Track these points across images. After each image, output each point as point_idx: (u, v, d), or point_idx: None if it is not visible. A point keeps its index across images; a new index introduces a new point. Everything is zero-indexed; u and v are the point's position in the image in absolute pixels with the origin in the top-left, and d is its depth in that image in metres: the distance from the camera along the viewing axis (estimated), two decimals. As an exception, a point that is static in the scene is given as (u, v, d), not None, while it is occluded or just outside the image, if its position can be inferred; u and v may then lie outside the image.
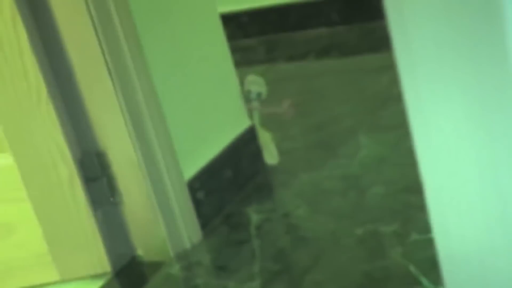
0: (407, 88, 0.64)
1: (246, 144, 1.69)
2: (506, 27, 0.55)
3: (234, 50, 1.84)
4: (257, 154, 1.72)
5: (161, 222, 1.43)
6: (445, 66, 0.60)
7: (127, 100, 1.38)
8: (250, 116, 1.73)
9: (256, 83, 1.74)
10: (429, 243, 0.81)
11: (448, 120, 0.62)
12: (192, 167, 1.54)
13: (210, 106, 1.63)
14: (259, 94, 1.73)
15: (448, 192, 0.66)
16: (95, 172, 1.41)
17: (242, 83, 1.74)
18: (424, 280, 1.14)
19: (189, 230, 1.48)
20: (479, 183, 0.64)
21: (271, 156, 1.70)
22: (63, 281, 1.43)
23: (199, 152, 1.59)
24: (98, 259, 1.44)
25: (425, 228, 0.84)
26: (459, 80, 0.60)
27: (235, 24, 2.71)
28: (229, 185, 1.62)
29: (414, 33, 0.60)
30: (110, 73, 1.36)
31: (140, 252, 1.47)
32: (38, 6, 1.35)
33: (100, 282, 1.43)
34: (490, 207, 0.63)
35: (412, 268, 1.19)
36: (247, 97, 1.73)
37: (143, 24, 1.43)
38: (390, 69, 0.82)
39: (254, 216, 1.53)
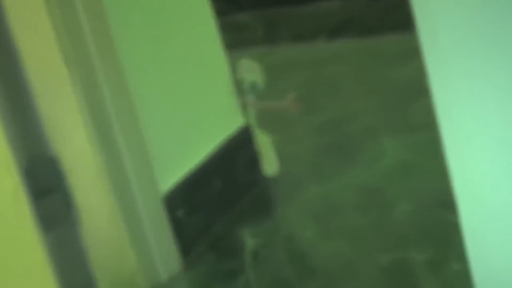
0: (435, 84, 0.66)
1: (239, 149, 1.69)
2: None
3: (224, 28, 1.82)
4: (254, 161, 1.70)
5: (129, 248, 1.42)
6: (476, 60, 0.61)
7: (88, 95, 1.36)
8: (245, 113, 1.71)
9: (251, 70, 1.72)
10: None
11: (479, 121, 0.63)
12: (170, 178, 1.53)
13: (193, 100, 1.60)
14: (253, 85, 1.70)
15: (484, 208, 0.67)
16: (46, 184, 1.38)
17: (234, 70, 1.73)
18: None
19: (166, 258, 1.47)
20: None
21: (270, 163, 1.68)
22: None
23: (180, 159, 1.58)
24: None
25: (467, 254, 0.84)
26: (491, 77, 0.61)
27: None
28: (218, 200, 1.60)
29: (441, 23, 0.62)
30: (66, 60, 1.33)
31: (102, 285, 1.43)
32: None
33: None
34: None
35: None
36: (239, 88, 1.71)
37: (110, 1, 1.40)
38: (419, 54, 0.80)
39: (249, 239, 1.53)
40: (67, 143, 1.40)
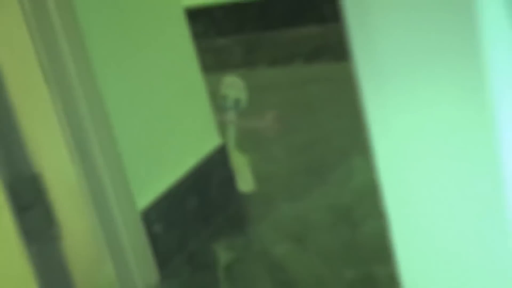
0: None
1: (215, 167, 1.69)
2: (481, 41, 0.57)
3: (206, 50, 1.84)
4: (229, 179, 1.71)
5: (108, 262, 1.40)
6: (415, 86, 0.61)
7: (67, 113, 1.35)
8: (223, 131, 1.71)
9: (235, 87, 1.73)
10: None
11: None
12: (148, 194, 1.52)
13: (171, 119, 1.59)
14: (237, 102, 1.71)
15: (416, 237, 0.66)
16: (28, 199, 1.38)
17: (215, 90, 1.73)
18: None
19: (143, 271, 1.46)
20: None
21: (245, 182, 1.68)
22: None
23: (157, 176, 1.57)
24: None
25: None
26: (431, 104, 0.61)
27: (208, 20, 2.70)
28: (193, 216, 1.59)
29: (379, 41, 0.61)
30: (46, 80, 1.33)
31: None
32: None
33: None
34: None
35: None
36: (222, 105, 1.71)
37: (87, 18, 1.41)
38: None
39: (224, 254, 1.52)
40: (48, 161, 1.40)
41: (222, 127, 1.76)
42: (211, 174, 1.68)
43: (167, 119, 1.62)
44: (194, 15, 1.87)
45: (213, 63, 2.28)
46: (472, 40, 0.57)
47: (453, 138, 0.60)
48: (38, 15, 1.38)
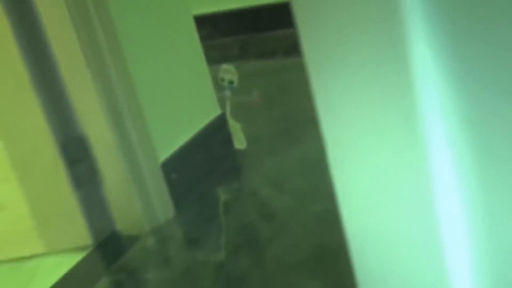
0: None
1: (216, 131, 1.69)
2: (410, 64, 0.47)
3: (211, 47, 1.84)
4: (227, 139, 1.72)
5: (137, 200, 1.43)
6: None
7: (105, 90, 1.38)
8: (223, 105, 1.72)
9: (229, 72, 1.75)
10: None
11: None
12: (166, 150, 1.53)
13: (183, 95, 1.62)
14: (231, 82, 1.73)
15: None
16: (77, 155, 1.40)
17: (215, 75, 1.74)
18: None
19: (163, 207, 1.48)
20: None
21: (239, 141, 1.70)
22: (48, 253, 1.44)
23: (173, 137, 1.58)
24: (81, 233, 1.43)
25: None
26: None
27: (212, 25, 2.70)
28: (200, 167, 1.62)
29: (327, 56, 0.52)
30: (88, 65, 1.35)
31: (119, 226, 1.47)
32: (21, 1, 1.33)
33: (82, 254, 1.43)
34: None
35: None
36: (220, 85, 1.72)
37: (120, 19, 1.42)
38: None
39: (223, 195, 1.53)
40: (91, 125, 1.41)
41: (221, 102, 1.76)
42: (214, 135, 1.69)
43: (181, 95, 1.62)
44: (203, 21, 1.84)
45: (215, 56, 2.26)
46: (403, 74, 0.47)
47: (383, 135, 0.51)
48: (83, 19, 1.37)
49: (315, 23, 0.51)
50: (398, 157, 0.51)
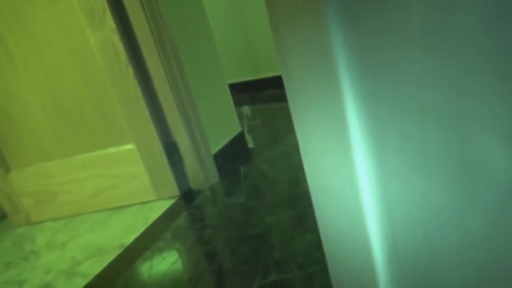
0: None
1: (238, 139, 2.02)
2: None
3: (235, 99, 2.34)
4: (244, 143, 2.05)
5: (200, 172, 1.74)
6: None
7: (183, 113, 1.59)
8: (242, 126, 2.22)
9: (246, 109, 2.29)
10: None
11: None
12: (215, 148, 1.88)
13: (222, 121, 1.92)
14: (247, 114, 2.25)
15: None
16: (172, 150, 1.69)
17: (239, 111, 2.17)
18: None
19: (213, 176, 1.81)
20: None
21: (251, 143, 2.08)
22: (157, 199, 1.76)
23: (218, 141, 1.89)
24: (173, 189, 1.75)
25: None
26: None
27: (234, 88, 3.28)
28: (231, 157, 1.96)
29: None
30: (173, 96, 1.54)
31: (192, 185, 1.78)
32: (131, 40, 1.42)
33: (174, 200, 1.73)
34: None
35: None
36: (242, 116, 2.14)
37: (189, 73, 1.59)
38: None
39: (243, 169, 1.83)
40: (177, 134, 1.63)
41: (241, 124, 2.26)
42: (237, 141, 2.01)
43: (221, 121, 1.90)
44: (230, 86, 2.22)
45: (237, 102, 2.84)
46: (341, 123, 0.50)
47: (327, 141, 0.52)
48: (169, 62, 1.48)
49: (294, 87, 0.53)
50: (335, 156, 0.52)
